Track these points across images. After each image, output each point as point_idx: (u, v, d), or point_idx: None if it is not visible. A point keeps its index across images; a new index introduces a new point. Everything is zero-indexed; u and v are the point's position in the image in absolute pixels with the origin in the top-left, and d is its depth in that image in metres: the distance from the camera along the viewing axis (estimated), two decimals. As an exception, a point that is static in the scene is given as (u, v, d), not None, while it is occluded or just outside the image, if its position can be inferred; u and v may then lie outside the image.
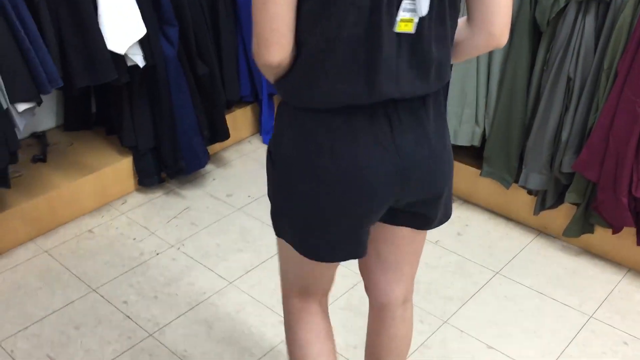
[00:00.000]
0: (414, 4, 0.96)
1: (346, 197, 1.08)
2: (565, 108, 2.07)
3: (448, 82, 1.26)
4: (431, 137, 1.10)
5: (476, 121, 2.32)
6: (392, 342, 1.42)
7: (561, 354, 1.88)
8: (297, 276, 1.32)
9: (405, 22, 0.98)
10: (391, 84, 1.02)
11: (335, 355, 1.38)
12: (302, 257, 1.19)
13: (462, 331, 1.96)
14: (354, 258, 1.21)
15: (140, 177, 2.65)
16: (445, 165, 1.16)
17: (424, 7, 0.97)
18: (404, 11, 0.97)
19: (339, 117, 1.05)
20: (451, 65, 1.14)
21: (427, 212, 1.21)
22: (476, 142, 2.36)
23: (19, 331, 1.98)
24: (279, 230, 1.22)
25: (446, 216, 1.26)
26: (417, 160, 1.09)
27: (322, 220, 1.12)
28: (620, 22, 1.85)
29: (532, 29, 2.08)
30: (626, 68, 1.84)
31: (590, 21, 1.93)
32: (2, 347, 1.92)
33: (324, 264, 1.23)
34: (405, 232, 1.27)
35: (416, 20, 0.98)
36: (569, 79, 2.02)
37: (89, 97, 2.84)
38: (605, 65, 1.92)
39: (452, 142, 2.36)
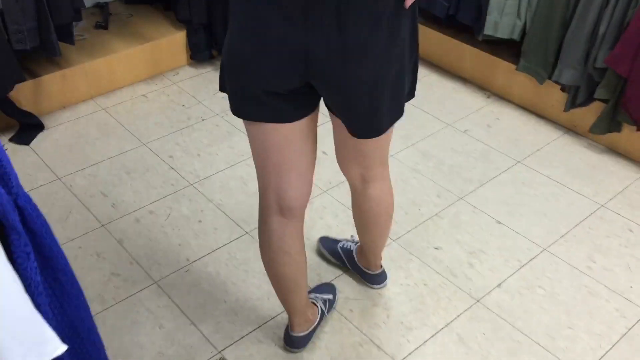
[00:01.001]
0: None
1: (252, 66, 1.14)
2: (606, 2, 2.08)
3: None
4: (349, 35, 1.08)
5: (518, 14, 2.35)
6: (361, 215, 1.54)
7: (566, 233, 1.99)
8: (262, 168, 1.33)
9: None
10: None
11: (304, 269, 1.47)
12: (253, 137, 1.27)
13: (475, 207, 2.09)
14: (272, 121, 1.24)
15: (193, 52, 2.82)
16: (364, 71, 1.12)
17: None
18: None
19: None
20: None
21: (343, 116, 1.23)
22: (516, 36, 2.40)
23: (78, 170, 2.23)
24: (222, 87, 1.28)
25: (373, 130, 1.25)
26: (325, 49, 1.09)
27: (237, 85, 1.19)
28: None
29: None
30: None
31: None
32: (63, 182, 2.18)
33: (271, 142, 1.27)
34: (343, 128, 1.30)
35: None
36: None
37: (149, -27, 2.98)
38: (651, -43, 1.91)
39: (492, 33, 2.41)
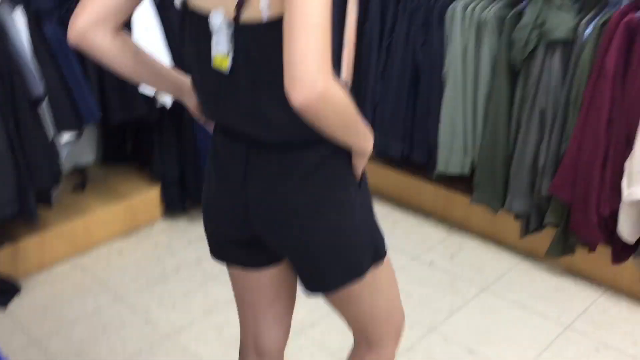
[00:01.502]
0: (221, 42, 1.01)
1: (210, 211, 1.24)
2: (541, 137, 2.30)
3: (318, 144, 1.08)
4: (278, 190, 1.11)
5: (465, 151, 2.56)
6: None
7: (536, 357, 2.04)
8: (240, 309, 1.39)
9: (222, 58, 1.02)
10: (219, 113, 1.14)
11: None
12: (230, 278, 1.35)
13: (446, 338, 2.15)
14: (239, 266, 1.30)
15: (167, 205, 2.95)
16: (283, 230, 1.14)
17: (220, 46, 1.01)
18: (215, 48, 1.02)
19: (216, 135, 1.18)
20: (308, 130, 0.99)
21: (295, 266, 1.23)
22: (466, 171, 2.59)
23: (54, 332, 2.25)
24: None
25: (317, 284, 1.21)
26: (259, 204, 1.13)
27: (206, 227, 1.29)
28: (582, 59, 2.10)
29: (510, 69, 2.34)
30: (588, 99, 2.08)
31: (557, 59, 2.18)
32: (38, 347, 2.19)
33: (245, 285, 1.33)
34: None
35: (230, 60, 1.02)
36: (542, 111, 2.26)
37: (125, 135, 3.19)
38: (572, 97, 2.16)
39: (444, 170, 2.61)
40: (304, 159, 1.09)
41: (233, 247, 1.26)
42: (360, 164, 1.12)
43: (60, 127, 2.35)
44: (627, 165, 2.01)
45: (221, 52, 1.01)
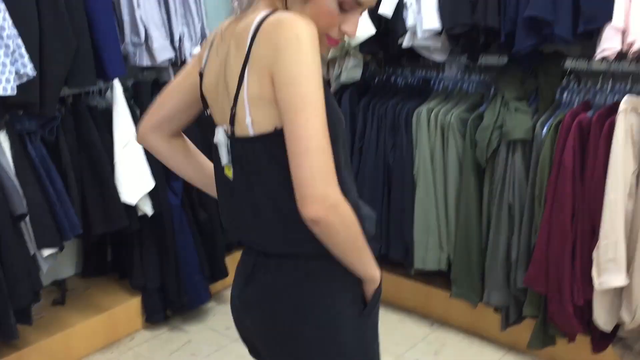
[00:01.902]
0: (224, 153, 1.15)
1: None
2: (511, 231, 2.39)
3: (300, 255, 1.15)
4: (255, 297, 1.18)
5: (440, 247, 2.63)
6: None
7: None
8: None
9: (227, 168, 1.16)
10: (231, 228, 1.24)
11: None
12: None
13: None
14: None
15: (148, 314, 2.93)
16: (265, 331, 1.19)
17: (223, 158, 1.15)
18: (222, 158, 1.16)
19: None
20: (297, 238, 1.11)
21: None
22: (443, 267, 2.65)
23: None
24: None
25: None
26: (243, 310, 1.23)
27: None
28: (542, 157, 2.23)
29: (476, 167, 2.46)
30: (551, 194, 2.19)
31: (518, 158, 2.31)
32: None
33: None
34: None
35: (231, 169, 1.15)
36: (510, 206, 2.36)
37: (105, 247, 3.21)
38: (536, 192, 2.27)
39: (422, 267, 2.66)
40: (292, 271, 1.14)
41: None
42: (369, 290, 1.17)
43: (41, 244, 2.38)
44: (595, 255, 2.09)
45: (225, 162, 1.15)
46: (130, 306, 2.93)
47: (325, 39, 1.11)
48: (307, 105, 0.99)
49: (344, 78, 2.86)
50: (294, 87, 0.99)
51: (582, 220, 2.15)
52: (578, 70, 2.31)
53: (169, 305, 2.96)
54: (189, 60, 2.75)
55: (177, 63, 2.79)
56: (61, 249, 2.50)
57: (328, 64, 2.97)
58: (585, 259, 2.16)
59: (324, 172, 0.98)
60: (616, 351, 2.27)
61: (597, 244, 2.09)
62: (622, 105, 1.97)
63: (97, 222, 2.60)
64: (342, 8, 1.09)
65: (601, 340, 2.27)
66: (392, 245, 2.78)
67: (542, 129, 2.26)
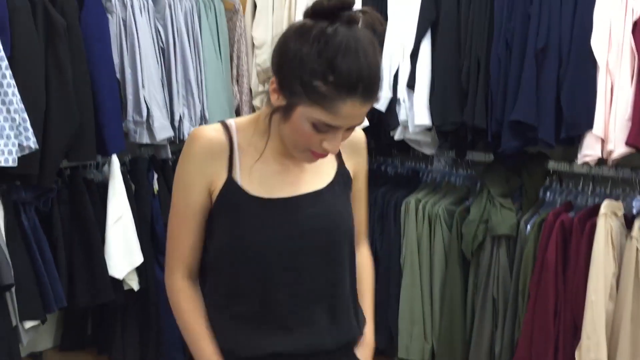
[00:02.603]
0: None
1: None
2: (495, 324, 2.41)
3: None
4: None
5: (425, 337, 2.63)
6: None
7: None
8: None
9: None
10: None
11: None
12: None
13: None
14: None
15: (124, 392, 2.87)
16: None
17: None
18: None
19: None
20: None
21: None
22: (427, 357, 2.65)
23: None
24: None
25: None
26: None
27: None
28: (526, 253, 2.30)
29: (462, 259, 2.52)
30: (535, 291, 2.24)
31: (503, 252, 2.38)
32: None
33: None
34: None
35: None
36: (494, 300, 2.40)
37: (86, 319, 3.17)
38: (520, 287, 2.32)
39: (405, 357, 2.66)
40: None
41: None
42: None
43: (24, 316, 2.35)
44: (577, 354, 2.12)
45: None
46: (108, 381, 2.86)
47: (310, 153, 1.13)
48: (172, 200, 1.22)
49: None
50: None
51: (564, 317, 2.19)
52: (560, 172, 2.42)
53: (149, 381, 2.90)
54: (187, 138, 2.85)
55: (176, 141, 2.87)
56: (43, 321, 2.48)
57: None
58: (568, 356, 2.18)
59: (169, 255, 1.22)
60: None
61: (579, 343, 2.12)
62: (602, 209, 2.06)
63: (83, 294, 2.58)
64: (318, 129, 1.08)
65: None
66: (376, 332, 2.76)
67: (526, 226, 2.33)
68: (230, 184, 1.16)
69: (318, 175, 1.23)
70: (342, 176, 1.27)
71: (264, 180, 1.18)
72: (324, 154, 1.13)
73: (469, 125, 2.35)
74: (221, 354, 1.21)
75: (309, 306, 1.19)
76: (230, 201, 1.16)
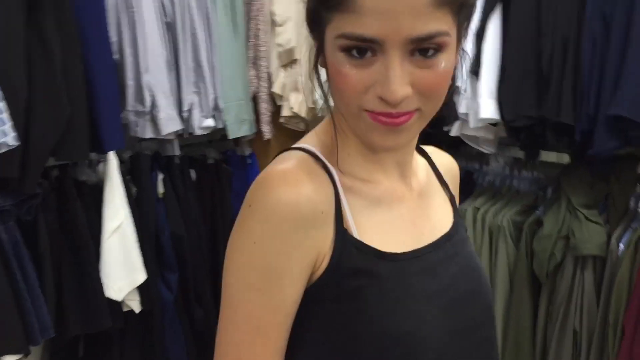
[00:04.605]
0: None
1: None
2: (576, 361, 2.01)
3: None
4: None
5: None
6: None
7: None
8: None
9: None
10: None
11: None
12: None
13: None
14: None
15: None
16: None
17: None
18: None
19: None
20: None
21: None
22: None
23: None
24: None
25: None
26: None
27: None
28: (619, 278, 1.88)
29: (531, 280, 2.10)
30: (632, 326, 1.82)
31: (589, 276, 1.96)
32: None
33: None
34: None
35: None
36: (575, 333, 1.99)
37: (77, 342, 2.73)
38: (611, 320, 1.90)
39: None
40: None
41: None
42: None
43: (4, 351, 1.92)
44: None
45: None
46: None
47: (367, 116, 0.72)
48: (228, 308, 0.74)
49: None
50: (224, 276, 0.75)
51: (672, 359, 1.79)
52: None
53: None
54: (198, 132, 2.41)
55: (184, 135, 2.43)
56: (27, 354, 2.04)
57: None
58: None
59: None
60: None
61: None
62: None
63: (74, 321, 2.15)
64: (351, 54, 0.70)
65: None
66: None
67: (619, 244, 1.92)
68: (345, 241, 0.73)
69: (435, 204, 0.85)
70: (456, 209, 0.89)
71: (380, 223, 0.77)
72: (386, 113, 0.70)
73: (551, 121, 1.92)
74: None
75: None
76: (350, 268, 0.73)
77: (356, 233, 0.74)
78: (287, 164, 0.74)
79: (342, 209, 0.74)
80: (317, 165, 0.76)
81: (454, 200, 0.92)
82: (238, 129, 2.60)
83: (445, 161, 0.94)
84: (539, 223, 2.09)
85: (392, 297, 0.72)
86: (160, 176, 2.43)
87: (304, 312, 0.74)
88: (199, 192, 2.61)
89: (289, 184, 0.71)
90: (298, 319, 0.74)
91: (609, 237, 1.95)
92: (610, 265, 1.93)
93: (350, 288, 0.72)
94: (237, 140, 2.80)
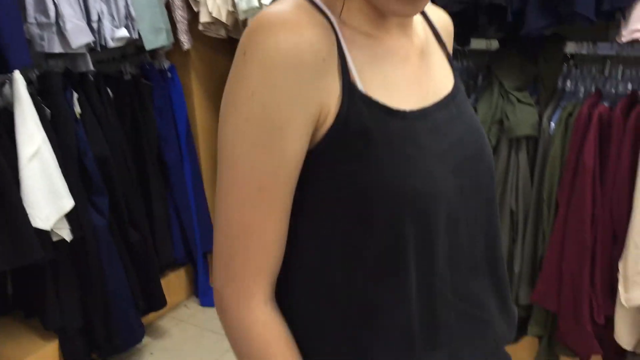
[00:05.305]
0: None
1: None
2: (514, 240, 2.09)
3: None
4: None
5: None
6: None
7: None
8: None
9: None
10: None
11: None
12: None
13: None
14: None
15: (69, 362, 2.37)
16: None
17: None
18: None
19: None
20: None
21: None
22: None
23: None
24: None
25: None
26: None
27: None
28: (552, 155, 1.94)
29: (468, 168, 2.14)
30: (565, 199, 1.90)
31: (523, 156, 2.01)
32: None
33: None
34: None
35: None
36: (512, 212, 2.06)
37: (4, 277, 2.58)
38: (545, 196, 1.98)
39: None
40: None
41: None
42: None
43: None
44: (621, 267, 1.83)
45: None
46: (45, 353, 2.34)
47: None
48: (227, 168, 0.67)
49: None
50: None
51: (602, 227, 1.88)
52: (581, 56, 2.04)
53: (95, 349, 2.41)
54: (111, 44, 2.22)
55: (96, 48, 2.23)
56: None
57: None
58: (606, 271, 1.90)
59: (235, 268, 0.69)
60: (632, 368, 2.04)
61: (624, 254, 1.83)
62: (658, 95, 1.71)
63: (1, 256, 2.00)
64: None
65: (615, 357, 2.03)
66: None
67: (550, 124, 1.97)
68: (354, 97, 0.67)
69: (436, 63, 0.81)
70: (454, 68, 0.85)
71: (386, 80, 0.71)
72: None
73: (484, 3, 1.89)
74: None
75: (474, 286, 0.77)
76: (360, 126, 0.67)
77: (362, 88, 0.68)
78: (284, 6, 0.66)
79: (346, 60, 0.68)
80: (315, 11, 0.68)
81: (452, 59, 0.87)
82: (154, 39, 2.42)
83: (441, 18, 0.88)
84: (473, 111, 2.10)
85: (403, 155, 0.68)
86: (76, 95, 2.25)
87: (310, 176, 0.69)
88: (119, 110, 2.45)
89: (288, 28, 0.63)
90: (304, 185, 0.69)
91: (541, 117, 1.99)
92: (543, 144, 1.98)
93: (359, 147, 0.67)
94: (153, 53, 2.62)
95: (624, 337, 1.91)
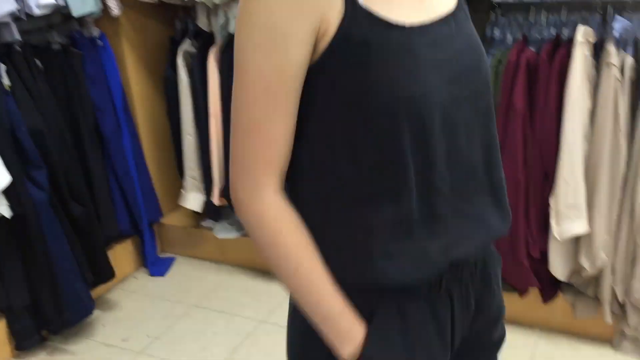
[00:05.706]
0: None
1: None
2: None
3: None
4: None
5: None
6: None
7: None
8: None
9: None
10: None
11: None
12: None
13: None
14: None
15: (18, 341, 2.33)
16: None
17: None
18: None
19: None
20: None
21: None
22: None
23: None
24: None
25: None
26: None
27: None
28: (484, 101, 2.02)
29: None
30: (500, 140, 1.99)
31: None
32: None
33: None
34: None
35: None
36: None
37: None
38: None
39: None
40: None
41: None
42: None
43: None
44: (552, 202, 1.95)
45: None
46: (-7, 334, 2.30)
47: None
48: (239, 72, 0.77)
49: (232, 28, 2.42)
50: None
51: (534, 166, 1.99)
52: (507, 4, 2.11)
53: (44, 325, 2.38)
54: (37, 12, 2.15)
55: (21, 16, 2.15)
56: None
57: (209, 12, 2.51)
58: (538, 207, 2.01)
59: (248, 159, 0.79)
60: (567, 298, 2.18)
61: (554, 190, 1.94)
62: (579, 37, 1.80)
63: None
64: None
65: (550, 289, 2.17)
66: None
67: (481, 71, 2.04)
68: (355, 11, 0.74)
69: None
70: None
71: None
72: None
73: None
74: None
75: (471, 185, 0.86)
76: (360, 38, 0.74)
77: (362, 2, 0.74)
78: None
79: None
80: None
81: None
82: (81, 5, 2.35)
83: None
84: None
85: (401, 66, 0.75)
86: (4, 67, 2.17)
87: (315, 85, 0.76)
88: (50, 81, 2.37)
89: None
90: (310, 93, 0.76)
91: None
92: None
93: (359, 57, 0.74)
94: (81, 21, 2.54)
95: (558, 268, 2.04)
